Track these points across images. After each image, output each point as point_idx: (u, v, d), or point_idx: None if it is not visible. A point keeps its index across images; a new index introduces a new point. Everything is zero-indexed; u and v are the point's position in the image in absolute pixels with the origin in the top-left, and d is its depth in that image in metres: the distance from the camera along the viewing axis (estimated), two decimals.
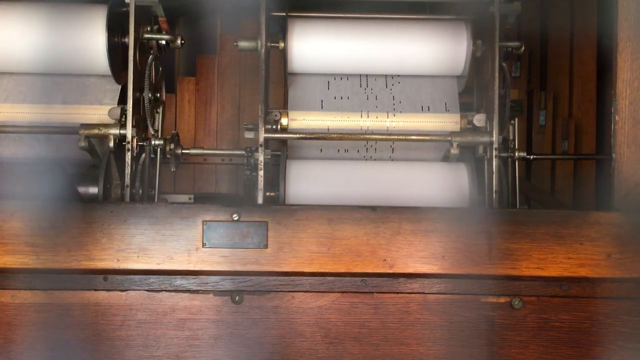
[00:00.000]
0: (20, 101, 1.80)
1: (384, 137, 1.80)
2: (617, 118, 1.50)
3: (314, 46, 1.85)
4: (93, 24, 1.75)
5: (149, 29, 1.83)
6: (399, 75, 1.91)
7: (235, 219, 1.42)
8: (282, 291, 1.47)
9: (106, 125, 1.71)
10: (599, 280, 1.44)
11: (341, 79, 1.90)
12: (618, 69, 1.50)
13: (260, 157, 1.70)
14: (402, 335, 1.47)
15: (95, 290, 1.46)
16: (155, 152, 1.84)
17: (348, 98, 1.88)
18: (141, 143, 1.77)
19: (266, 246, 1.41)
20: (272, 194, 1.75)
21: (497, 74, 1.73)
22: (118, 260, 1.40)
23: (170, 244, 1.41)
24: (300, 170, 1.79)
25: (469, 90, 1.95)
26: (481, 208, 1.72)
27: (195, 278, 1.46)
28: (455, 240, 1.42)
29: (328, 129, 1.83)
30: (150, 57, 1.82)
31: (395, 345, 1.47)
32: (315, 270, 1.42)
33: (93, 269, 1.41)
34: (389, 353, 1.47)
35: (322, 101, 1.87)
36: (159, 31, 1.85)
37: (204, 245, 1.41)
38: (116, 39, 1.79)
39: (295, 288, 1.47)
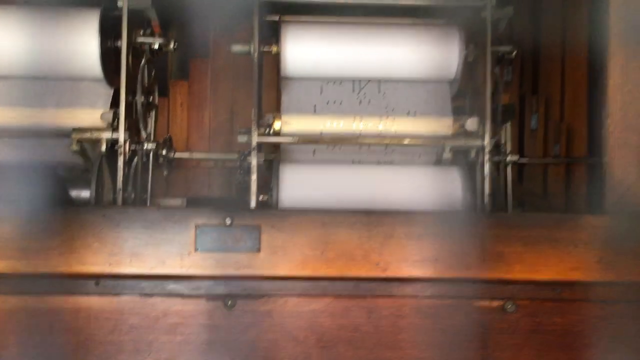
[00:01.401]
0: (12, 105, 1.79)
1: (376, 140, 1.80)
2: (608, 121, 1.50)
3: (308, 50, 1.85)
4: (86, 28, 1.75)
5: (141, 32, 1.83)
6: (391, 80, 1.91)
7: (228, 223, 1.41)
8: (275, 295, 1.46)
9: (98, 129, 1.70)
10: (592, 283, 1.44)
11: (334, 83, 1.91)
12: (609, 74, 1.51)
13: (254, 161, 1.70)
14: (396, 339, 1.47)
15: (87, 294, 1.45)
16: (147, 156, 1.83)
17: (341, 102, 1.88)
18: (134, 147, 1.77)
19: (259, 250, 1.41)
20: (265, 197, 1.75)
21: (489, 78, 1.74)
22: (110, 264, 1.40)
23: (163, 248, 1.40)
24: (294, 174, 1.79)
25: (462, 95, 1.95)
26: (474, 212, 1.72)
27: (187, 282, 1.46)
28: (448, 244, 1.42)
29: (321, 133, 1.83)
30: (143, 60, 1.82)
31: (389, 349, 1.47)
32: (308, 275, 1.42)
33: (85, 273, 1.40)
34: (383, 357, 1.47)
35: (315, 105, 1.87)
36: (152, 35, 1.85)
37: (196, 249, 1.41)
38: (109, 43, 1.79)
39: (288, 292, 1.47)
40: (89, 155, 1.74)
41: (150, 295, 1.45)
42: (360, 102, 1.89)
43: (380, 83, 1.91)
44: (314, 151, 1.86)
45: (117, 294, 1.45)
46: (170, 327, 1.45)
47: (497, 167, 1.81)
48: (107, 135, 1.69)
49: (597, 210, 1.51)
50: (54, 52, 1.74)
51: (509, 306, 1.47)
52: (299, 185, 1.77)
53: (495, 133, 1.79)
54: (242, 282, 1.46)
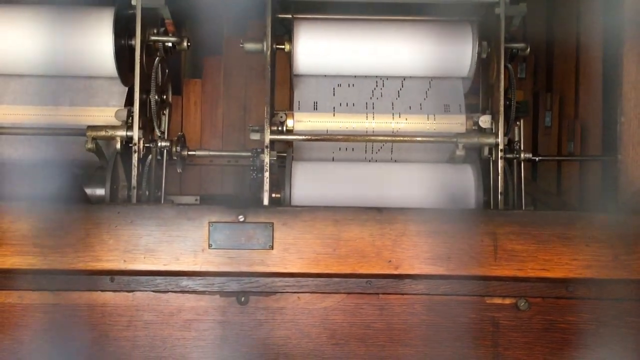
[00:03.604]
0: (28, 103, 1.81)
1: (389, 138, 1.80)
2: (622, 119, 1.50)
3: (320, 48, 1.85)
4: (100, 27, 1.76)
5: (155, 31, 1.84)
6: (404, 77, 1.91)
7: (241, 220, 1.42)
8: (287, 292, 1.47)
9: (113, 127, 1.71)
10: (605, 281, 1.44)
11: (347, 80, 1.91)
12: (624, 71, 1.50)
13: (266, 159, 1.71)
14: (408, 337, 1.47)
15: (102, 291, 1.47)
16: (161, 154, 1.85)
17: (353, 100, 1.88)
18: (148, 145, 1.78)
19: (272, 247, 1.42)
20: (278, 195, 1.76)
21: (502, 76, 1.73)
22: (125, 261, 1.41)
23: (177, 245, 1.41)
24: (306, 172, 1.79)
25: (475, 92, 1.95)
26: (487, 209, 1.71)
27: (201, 279, 1.47)
28: (460, 242, 1.42)
29: (334, 131, 1.84)
30: (157, 59, 1.83)
31: (401, 346, 1.47)
32: (320, 271, 1.43)
33: (100, 269, 1.41)
34: (395, 354, 1.47)
35: (327, 103, 1.87)
36: (166, 33, 1.86)
37: (210, 246, 1.42)
38: (123, 42, 1.80)
39: (301, 289, 1.47)
40: (103, 153, 1.76)
41: (165, 291, 1.47)
42: (373, 99, 1.89)
43: (393, 80, 1.91)
44: (327, 150, 1.87)
45: (131, 291, 1.46)
46: (185, 323, 1.47)
47: (511, 165, 1.80)
48: (121, 133, 1.71)
49: (610, 208, 1.50)
50: (69, 50, 1.76)
51: (522, 304, 1.47)
52: (312, 182, 1.78)
53: (508, 130, 1.79)
54: (255, 278, 1.46)
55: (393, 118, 1.85)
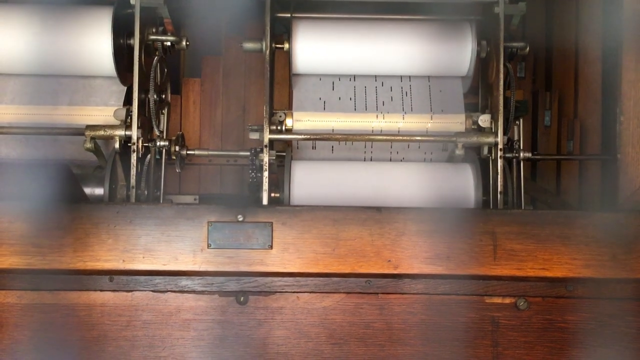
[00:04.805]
0: (26, 103, 1.81)
1: (388, 137, 1.80)
2: (622, 119, 1.50)
3: (319, 47, 1.85)
4: (99, 26, 1.76)
5: (154, 30, 1.84)
6: (403, 76, 1.91)
7: (240, 219, 1.42)
8: (287, 292, 1.47)
9: (112, 127, 1.71)
10: (604, 281, 1.44)
11: (346, 80, 1.91)
12: (623, 70, 1.50)
13: (265, 158, 1.71)
14: (407, 336, 1.47)
15: (101, 290, 1.46)
16: (160, 153, 1.85)
17: (352, 99, 1.88)
18: (146, 144, 1.78)
19: (271, 247, 1.42)
20: (277, 194, 1.76)
21: (502, 75, 1.73)
22: (124, 260, 1.41)
23: (176, 245, 1.41)
24: (305, 171, 1.79)
25: (474, 91, 1.95)
26: (486, 209, 1.71)
27: (200, 279, 1.46)
28: (460, 241, 1.42)
29: (333, 130, 1.84)
30: (156, 58, 1.83)
31: (400, 345, 1.47)
32: (320, 271, 1.43)
33: (99, 269, 1.41)
34: (394, 353, 1.47)
35: (326, 102, 1.87)
36: (164, 33, 1.86)
37: (209, 246, 1.41)
38: (122, 41, 1.80)
39: (300, 289, 1.47)
40: (102, 153, 1.76)
41: (164, 291, 1.47)
42: (372, 98, 1.88)
43: (392, 79, 1.91)
44: (326, 149, 1.87)
45: (130, 290, 1.46)
46: (184, 322, 1.46)
47: (510, 164, 1.80)
48: (120, 132, 1.70)
49: (610, 207, 1.50)
50: (67, 49, 1.76)
51: (521, 303, 1.47)
52: (311, 182, 1.78)
53: (507, 130, 1.79)
54: (254, 278, 1.46)
55: (392, 117, 1.85)
